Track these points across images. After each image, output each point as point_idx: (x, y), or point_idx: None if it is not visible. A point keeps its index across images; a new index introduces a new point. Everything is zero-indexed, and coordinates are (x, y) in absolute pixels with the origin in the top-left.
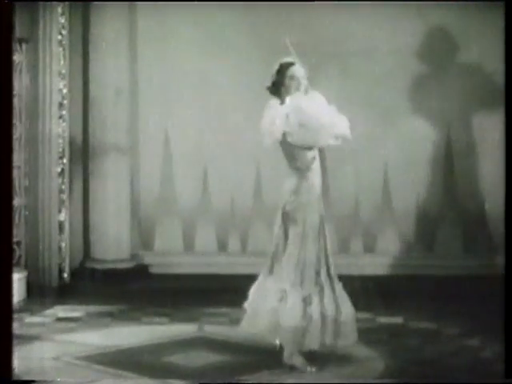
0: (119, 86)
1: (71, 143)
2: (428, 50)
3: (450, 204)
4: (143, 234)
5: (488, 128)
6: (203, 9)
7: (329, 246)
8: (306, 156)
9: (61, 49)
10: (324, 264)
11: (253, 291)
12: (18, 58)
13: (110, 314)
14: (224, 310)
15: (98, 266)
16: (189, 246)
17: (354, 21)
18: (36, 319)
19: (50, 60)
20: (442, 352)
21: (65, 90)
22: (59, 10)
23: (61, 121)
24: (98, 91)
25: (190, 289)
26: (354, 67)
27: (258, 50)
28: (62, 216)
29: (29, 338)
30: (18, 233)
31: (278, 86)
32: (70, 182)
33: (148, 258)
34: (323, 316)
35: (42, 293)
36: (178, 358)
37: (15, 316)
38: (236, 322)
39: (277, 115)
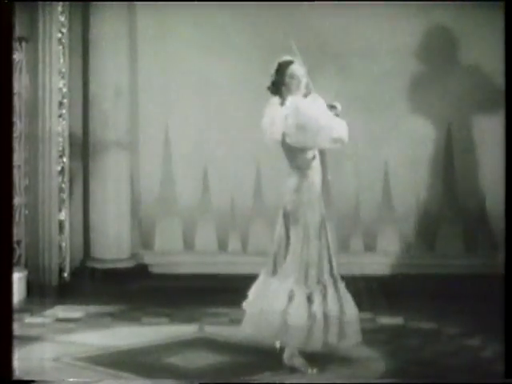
0: (119, 85)
1: (71, 142)
2: (428, 49)
3: (451, 203)
4: (143, 234)
5: (488, 127)
6: (203, 9)
7: (331, 245)
8: (306, 155)
9: (61, 47)
10: (327, 263)
11: (253, 291)
12: (17, 56)
13: (110, 314)
14: (224, 309)
15: (98, 266)
16: (189, 245)
17: (354, 21)
18: (36, 319)
19: (49, 59)
20: (442, 352)
21: (65, 89)
22: (59, 8)
23: (61, 120)
24: (97, 90)
25: (190, 288)
26: (354, 67)
27: (258, 50)
28: (62, 215)
29: (29, 339)
30: (18, 232)
31: (279, 86)
32: (70, 181)
33: (148, 258)
34: (326, 316)
35: (42, 292)
36: (179, 359)
37: (15, 316)
38: (236, 322)
39: (276, 116)
